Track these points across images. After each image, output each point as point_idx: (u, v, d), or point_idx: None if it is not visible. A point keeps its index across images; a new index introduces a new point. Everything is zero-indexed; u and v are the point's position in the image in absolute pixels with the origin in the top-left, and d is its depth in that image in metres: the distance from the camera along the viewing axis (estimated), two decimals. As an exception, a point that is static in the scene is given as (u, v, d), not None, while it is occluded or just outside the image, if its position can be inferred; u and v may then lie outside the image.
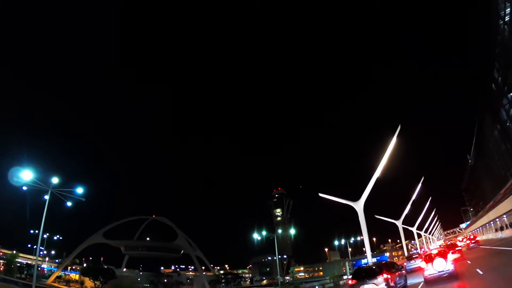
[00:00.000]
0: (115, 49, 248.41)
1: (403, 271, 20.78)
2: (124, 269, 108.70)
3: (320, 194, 32.89)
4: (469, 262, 25.86)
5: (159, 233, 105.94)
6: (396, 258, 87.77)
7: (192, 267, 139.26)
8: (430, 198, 69.54)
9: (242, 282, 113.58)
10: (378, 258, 74.88)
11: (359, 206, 31.16)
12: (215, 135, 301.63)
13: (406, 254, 50.65)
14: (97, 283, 76.22)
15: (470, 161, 73.95)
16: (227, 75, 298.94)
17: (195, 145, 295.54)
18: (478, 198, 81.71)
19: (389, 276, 16.25)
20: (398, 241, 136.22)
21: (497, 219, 53.43)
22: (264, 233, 61.09)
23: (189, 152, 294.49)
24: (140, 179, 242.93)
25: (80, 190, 27.73)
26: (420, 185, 49.37)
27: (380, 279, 15.91)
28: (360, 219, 30.84)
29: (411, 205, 65.77)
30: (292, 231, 72.35)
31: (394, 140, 29.60)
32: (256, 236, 61.82)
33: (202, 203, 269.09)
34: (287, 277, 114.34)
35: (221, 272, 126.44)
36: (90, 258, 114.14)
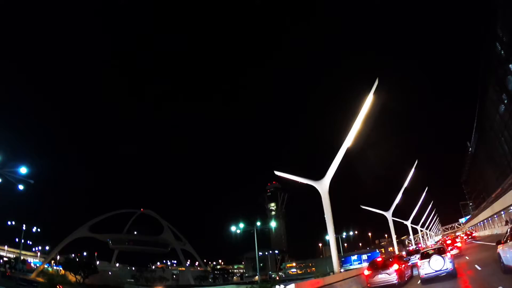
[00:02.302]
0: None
1: (410, 264, 21.44)
2: (117, 264, 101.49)
3: (276, 172, 23.72)
4: (478, 267, 16.61)
5: (148, 227, 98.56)
6: (392, 254, 77.75)
7: (196, 263, 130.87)
8: (426, 188, 59.48)
9: (234, 277, 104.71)
10: (369, 255, 65.23)
11: (322, 186, 21.84)
12: (212, 134, 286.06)
13: (396, 250, 41.06)
14: (78, 277, 70.47)
15: (470, 148, 63.56)
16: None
17: (193, 141, 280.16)
18: (479, 190, 71.17)
19: (399, 267, 17.19)
20: (396, 235, 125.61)
21: (502, 212, 43.32)
22: (243, 225, 53.78)
23: (186, 147, 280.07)
24: (131, 173, 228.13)
25: (23, 170, 21.86)
26: (413, 169, 39.35)
27: (392, 269, 16.90)
28: (323, 202, 21.56)
29: (405, 195, 56.62)
30: (273, 224, 63.11)
31: (370, 98, 20.29)
32: (241, 230, 54.43)
33: (199, 198, 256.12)
34: (281, 273, 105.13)
35: (217, 267, 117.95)
36: (84, 254, 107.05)
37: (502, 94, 38.61)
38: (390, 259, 18.54)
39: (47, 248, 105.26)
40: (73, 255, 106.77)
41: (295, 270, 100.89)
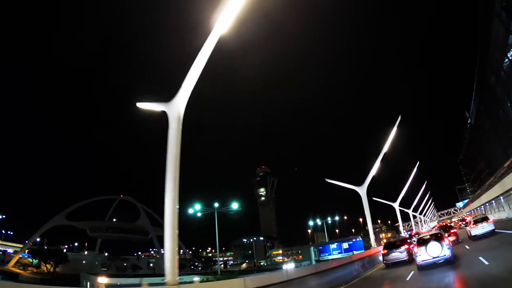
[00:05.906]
0: None
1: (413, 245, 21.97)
2: (104, 254, 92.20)
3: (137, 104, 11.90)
4: (460, 240, 24.07)
5: (128, 213, 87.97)
6: (384, 240, 65.72)
7: (181, 251, 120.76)
8: (417, 163, 46.87)
9: (219, 266, 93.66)
10: (351, 243, 53.60)
11: (172, 112, 9.85)
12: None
13: (372, 239, 29.38)
14: (48, 266, 62.83)
15: (469, 119, 50.45)
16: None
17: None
18: (479, 170, 58.09)
19: (408, 246, 19.55)
20: (390, 221, 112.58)
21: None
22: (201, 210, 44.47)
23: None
24: (118, 158, 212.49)
25: None
26: (395, 128, 26.92)
27: (403, 248, 19.16)
28: (169, 134, 9.64)
29: (395, 175, 44.89)
30: (235, 206, 51.15)
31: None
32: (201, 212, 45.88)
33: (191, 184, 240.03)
34: (268, 261, 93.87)
35: (208, 255, 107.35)
36: (76, 244, 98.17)
37: (507, 36, 25.70)
38: (401, 241, 20.52)
39: (38, 239, 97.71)
40: (66, 246, 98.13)
41: (281, 257, 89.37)
